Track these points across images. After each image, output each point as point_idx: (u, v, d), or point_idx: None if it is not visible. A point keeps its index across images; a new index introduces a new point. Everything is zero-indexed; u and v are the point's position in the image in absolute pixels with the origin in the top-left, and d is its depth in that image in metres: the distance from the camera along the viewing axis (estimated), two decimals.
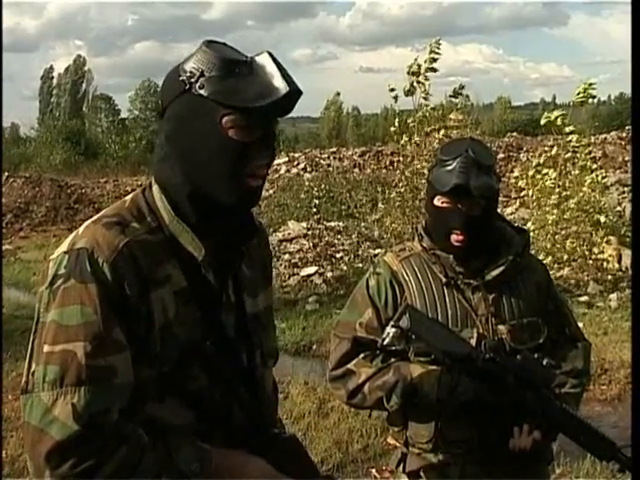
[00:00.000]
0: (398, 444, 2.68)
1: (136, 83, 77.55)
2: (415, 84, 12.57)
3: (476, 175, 2.48)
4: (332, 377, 2.65)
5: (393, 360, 2.54)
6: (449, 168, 2.52)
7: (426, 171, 12.43)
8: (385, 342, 2.44)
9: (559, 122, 10.83)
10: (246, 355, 1.85)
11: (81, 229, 1.70)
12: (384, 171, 24.37)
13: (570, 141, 11.12)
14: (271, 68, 1.67)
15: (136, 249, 1.66)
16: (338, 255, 13.66)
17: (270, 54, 1.70)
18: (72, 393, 1.55)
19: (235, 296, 1.85)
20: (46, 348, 1.59)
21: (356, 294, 2.71)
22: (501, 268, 2.57)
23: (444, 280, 2.59)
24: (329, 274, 12.52)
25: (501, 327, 2.56)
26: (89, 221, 1.73)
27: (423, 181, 12.96)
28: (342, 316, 2.72)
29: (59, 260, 1.65)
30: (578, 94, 10.98)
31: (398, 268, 2.64)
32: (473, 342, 2.50)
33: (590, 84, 10.96)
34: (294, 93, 1.66)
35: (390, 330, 2.42)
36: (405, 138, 12.86)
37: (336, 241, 14.44)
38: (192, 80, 1.67)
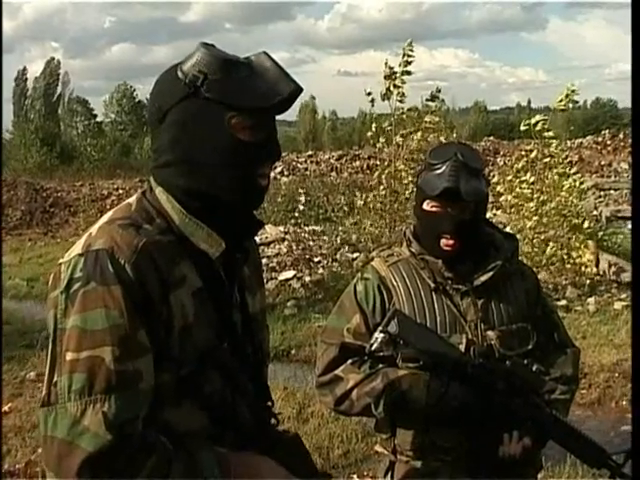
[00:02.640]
0: (386, 452, 2.65)
1: (113, 86, 77.42)
2: (391, 88, 12.62)
3: (466, 179, 2.46)
4: (319, 383, 2.61)
5: (381, 366, 2.51)
6: (438, 172, 2.50)
7: (404, 174, 12.58)
8: (373, 348, 2.41)
9: (539, 127, 10.87)
10: (252, 354, 1.84)
11: (94, 231, 1.65)
12: (361, 175, 24.44)
13: (550, 146, 11.17)
14: (273, 68, 1.67)
15: (153, 250, 1.62)
16: (316, 259, 13.66)
17: (267, 54, 1.70)
18: (102, 401, 1.50)
19: (239, 295, 1.84)
20: (69, 356, 1.53)
21: (344, 299, 2.67)
22: (490, 273, 2.55)
23: (433, 285, 2.56)
24: (307, 278, 12.49)
25: (490, 333, 2.53)
26: (101, 222, 1.69)
27: (401, 184, 13.04)
28: (329, 322, 2.69)
29: (73, 263, 1.59)
30: (560, 100, 11.03)
31: (386, 273, 2.61)
32: (462, 348, 2.48)
33: (573, 90, 11.02)
34: (297, 92, 1.67)
35: (378, 336, 2.40)
36: (382, 141, 12.89)
37: (314, 245, 14.43)
38: (197, 84, 1.65)
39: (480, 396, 2.38)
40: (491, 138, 32.31)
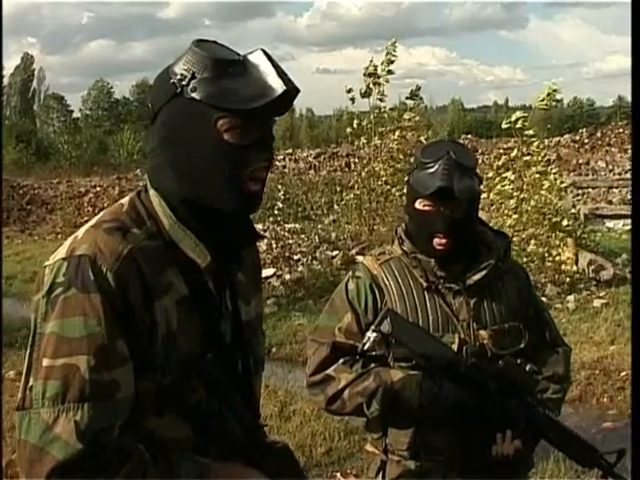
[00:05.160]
0: (377, 451, 2.64)
1: (90, 82, 76.93)
2: (371, 85, 12.66)
3: (459, 177, 2.45)
4: (311, 383, 2.59)
5: (373, 366, 2.50)
6: (431, 171, 2.49)
7: (382, 172, 12.57)
8: (366, 347, 2.40)
9: (519, 124, 10.90)
10: (241, 364, 1.80)
11: (80, 234, 1.62)
12: (339, 173, 24.43)
13: (530, 144, 11.21)
14: (266, 66, 1.61)
15: (139, 256, 1.58)
16: (296, 257, 13.61)
17: (264, 51, 1.64)
18: (75, 410, 1.48)
19: (231, 303, 1.80)
20: (46, 362, 1.50)
21: (335, 298, 2.66)
22: (483, 272, 2.54)
23: (425, 284, 2.55)
24: (287, 276, 12.45)
25: (482, 332, 2.53)
26: (87, 225, 1.65)
27: (379, 182, 13.06)
28: (321, 321, 2.67)
29: (57, 267, 1.56)
30: (542, 100, 11.06)
31: (378, 272, 2.60)
32: (454, 347, 2.48)
33: (554, 90, 11.05)
34: (291, 92, 1.61)
35: (371, 335, 2.39)
36: (363, 140, 12.91)
37: (293, 243, 14.39)
38: (183, 83, 1.61)
39: (473, 396, 2.38)
40: (469, 136, 32.39)
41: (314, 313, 10.37)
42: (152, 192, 1.72)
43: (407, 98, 13.44)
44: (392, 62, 12.40)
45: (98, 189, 26.66)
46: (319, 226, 15.75)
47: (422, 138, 13.35)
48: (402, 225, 2.71)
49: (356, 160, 15.98)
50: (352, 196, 13.43)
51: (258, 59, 1.63)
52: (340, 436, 6.10)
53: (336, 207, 15.58)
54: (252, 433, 1.77)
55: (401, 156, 13.05)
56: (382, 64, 12.41)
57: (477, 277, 2.55)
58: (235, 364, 1.78)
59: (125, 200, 1.74)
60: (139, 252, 1.59)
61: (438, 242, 2.50)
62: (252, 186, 1.66)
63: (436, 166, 2.48)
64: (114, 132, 58.45)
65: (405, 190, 2.70)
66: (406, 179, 2.66)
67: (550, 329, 2.74)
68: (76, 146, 45.63)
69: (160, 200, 1.69)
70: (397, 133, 12.83)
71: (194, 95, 1.59)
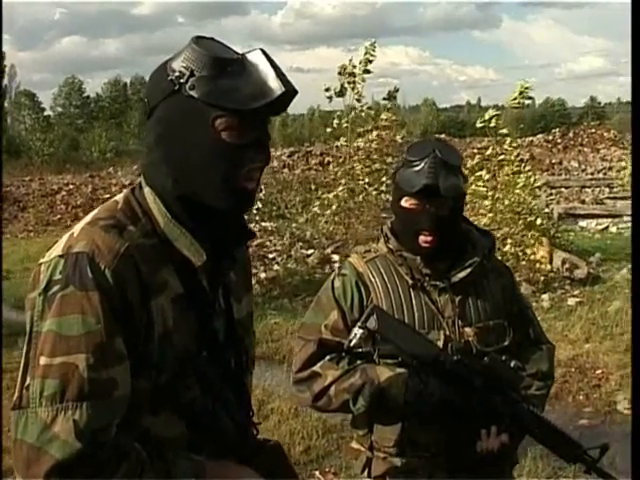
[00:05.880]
0: (363, 448, 2.65)
1: (62, 79, 76.53)
2: (346, 85, 12.68)
3: (445, 176, 2.47)
4: (297, 379, 2.60)
5: (360, 362, 2.51)
6: (417, 169, 2.50)
7: (359, 171, 12.58)
8: (352, 343, 2.41)
9: (493, 123, 10.96)
10: (234, 362, 1.81)
11: (76, 231, 1.61)
12: (314, 172, 24.47)
13: (504, 143, 11.28)
14: (264, 67, 1.60)
15: (135, 254, 1.58)
16: (271, 256, 13.60)
17: (263, 51, 1.63)
18: (73, 409, 1.47)
19: (224, 302, 1.80)
20: (43, 360, 1.49)
21: (321, 296, 2.66)
22: (468, 270, 2.56)
23: (410, 282, 2.57)
24: (262, 275, 12.43)
25: (467, 329, 2.55)
26: (83, 222, 1.64)
27: (356, 181, 13.08)
28: (307, 318, 2.67)
29: (53, 264, 1.55)
30: (514, 98, 11.13)
31: (364, 269, 2.61)
32: (440, 344, 2.49)
33: (527, 87, 11.13)
34: (289, 93, 1.60)
35: (357, 331, 2.40)
36: (343, 139, 12.93)
37: (268, 242, 14.37)
38: (181, 80, 1.60)
39: (459, 392, 2.39)
40: (442, 136, 32.54)
41: (289, 312, 10.40)
42: (147, 189, 1.71)
43: (384, 99, 13.50)
44: (370, 62, 12.44)
45: (71, 187, 26.48)
46: (294, 225, 15.78)
47: (397, 137, 13.43)
48: (388, 223, 2.72)
49: (330, 159, 15.99)
50: (328, 195, 13.41)
51: (257, 59, 1.62)
52: (318, 434, 6.10)
53: (311, 206, 15.58)
54: (244, 431, 1.78)
55: (376, 156, 13.08)
56: (360, 63, 12.44)
57: (462, 275, 2.56)
58: (228, 362, 1.79)
59: (120, 197, 1.73)
60: (136, 250, 1.58)
61: (424, 239, 2.51)
62: (247, 185, 1.66)
63: (422, 164, 2.50)
64: (86, 130, 58.14)
65: (391, 188, 2.71)
66: (392, 177, 2.67)
67: (534, 327, 2.77)
68: (48, 144, 45.34)
69: (155, 197, 1.69)
70: (375, 133, 12.86)
71: (192, 93, 1.58)
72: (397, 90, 13.44)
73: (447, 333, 2.52)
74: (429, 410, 2.41)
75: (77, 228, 1.62)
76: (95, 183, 27.27)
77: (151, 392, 1.60)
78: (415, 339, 2.42)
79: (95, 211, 1.69)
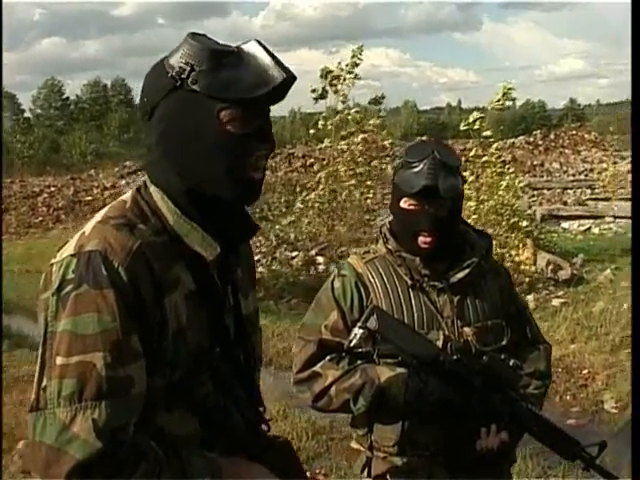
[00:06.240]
0: (362, 448, 2.66)
1: (42, 81, 76.12)
2: (327, 87, 12.69)
3: (444, 177, 2.49)
4: (297, 380, 2.61)
5: (360, 362, 2.52)
6: (416, 170, 2.52)
7: (342, 174, 12.58)
8: (352, 343, 2.42)
9: (477, 125, 11.00)
10: (244, 358, 1.82)
11: (87, 230, 1.60)
12: (296, 174, 24.45)
13: (487, 145, 11.32)
14: (263, 56, 1.62)
15: (148, 252, 1.58)
16: (255, 258, 13.55)
17: (259, 42, 1.65)
18: (92, 408, 1.47)
19: (233, 298, 1.81)
20: (59, 360, 1.49)
21: (321, 296, 2.68)
22: (466, 270, 2.58)
23: (410, 282, 2.58)
24: None
25: (466, 329, 2.57)
26: (94, 221, 1.63)
27: (339, 183, 13.09)
28: (307, 319, 2.69)
29: (65, 264, 1.54)
30: (498, 100, 11.19)
31: (363, 270, 2.63)
32: (439, 344, 2.50)
33: (509, 89, 11.18)
34: (289, 80, 1.62)
35: (357, 331, 2.41)
36: (327, 141, 12.94)
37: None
38: (183, 76, 1.60)
39: (458, 391, 2.41)
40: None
41: (275, 313, 10.40)
42: (153, 188, 1.71)
43: (370, 103, 13.56)
44: (357, 65, 12.47)
45: (52, 189, 26.38)
46: (277, 227, 15.75)
47: (383, 141, 13.48)
48: (387, 224, 2.74)
49: (313, 160, 15.98)
50: (312, 197, 13.42)
51: (254, 49, 1.63)
52: (308, 436, 6.10)
53: (295, 208, 15.57)
54: (254, 427, 1.79)
55: (361, 159, 13.10)
56: (347, 66, 12.46)
57: (461, 275, 2.58)
58: (238, 358, 1.79)
59: (127, 197, 1.73)
60: (147, 247, 1.58)
61: (423, 240, 2.53)
62: (255, 175, 1.67)
63: (421, 165, 2.52)
64: (66, 132, 57.88)
65: (390, 190, 2.73)
66: (391, 179, 2.69)
67: (531, 326, 2.79)
68: (28, 145, 45.12)
69: (162, 195, 1.69)
70: (360, 136, 12.89)
71: (195, 87, 1.59)
72: (384, 97, 13.57)
73: (446, 333, 2.54)
74: (429, 409, 2.43)
75: (88, 227, 1.62)
76: (77, 185, 27.16)
77: (165, 389, 1.60)
78: (415, 339, 2.44)
79: (104, 210, 1.69)
